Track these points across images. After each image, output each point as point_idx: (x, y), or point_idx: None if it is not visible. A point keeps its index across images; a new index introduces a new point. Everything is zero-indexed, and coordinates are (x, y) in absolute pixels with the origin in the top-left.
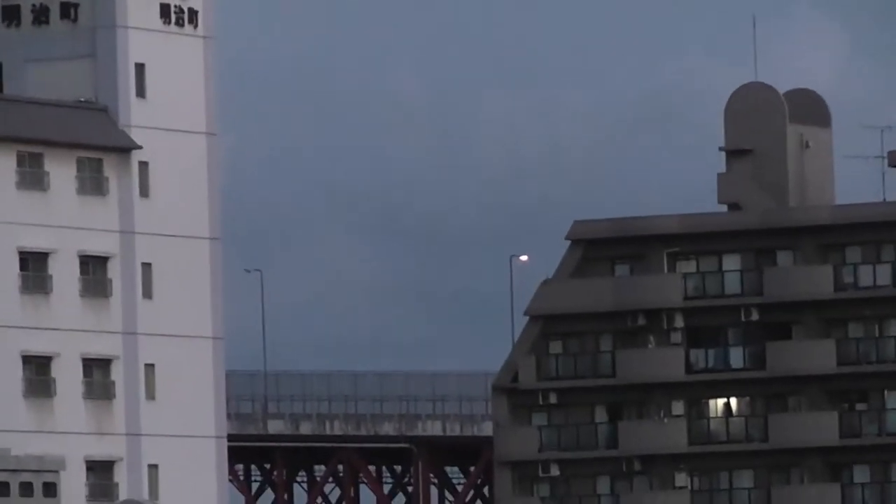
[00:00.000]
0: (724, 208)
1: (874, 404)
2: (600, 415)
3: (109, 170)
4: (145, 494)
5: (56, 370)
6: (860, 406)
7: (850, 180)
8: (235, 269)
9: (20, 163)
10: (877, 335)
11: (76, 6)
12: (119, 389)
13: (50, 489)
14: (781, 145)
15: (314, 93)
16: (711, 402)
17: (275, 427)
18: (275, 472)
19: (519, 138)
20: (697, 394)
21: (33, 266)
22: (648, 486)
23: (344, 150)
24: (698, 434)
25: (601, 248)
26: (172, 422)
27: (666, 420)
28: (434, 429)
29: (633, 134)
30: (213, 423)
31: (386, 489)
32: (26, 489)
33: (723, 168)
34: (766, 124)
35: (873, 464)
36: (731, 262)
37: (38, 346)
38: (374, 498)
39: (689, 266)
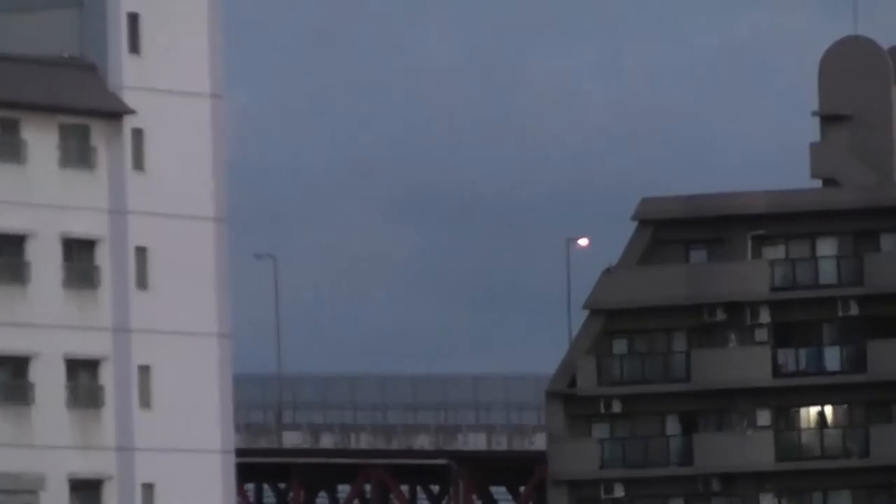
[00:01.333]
0: (819, 184)
1: None
2: (672, 426)
3: (97, 138)
4: None
5: (35, 373)
6: None
7: None
8: (245, 254)
9: None
10: None
11: None
12: (109, 396)
13: None
14: (885, 110)
15: (336, 48)
16: (803, 410)
17: (291, 440)
18: (291, 493)
19: (576, 101)
20: (786, 401)
21: (8, 251)
22: None
23: (371, 115)
24: (787, 448)
25: (673, 230)
26: (171, 434)
27: (749, 432)
28: (477, 442)
29: (711, 97)
30: (218, 436)
31: None
32: None
33: (817, 137)
34: (867, 86)
35: None
36: (827, 247)
37: (14, 345)
38: None
39: (777, 252)
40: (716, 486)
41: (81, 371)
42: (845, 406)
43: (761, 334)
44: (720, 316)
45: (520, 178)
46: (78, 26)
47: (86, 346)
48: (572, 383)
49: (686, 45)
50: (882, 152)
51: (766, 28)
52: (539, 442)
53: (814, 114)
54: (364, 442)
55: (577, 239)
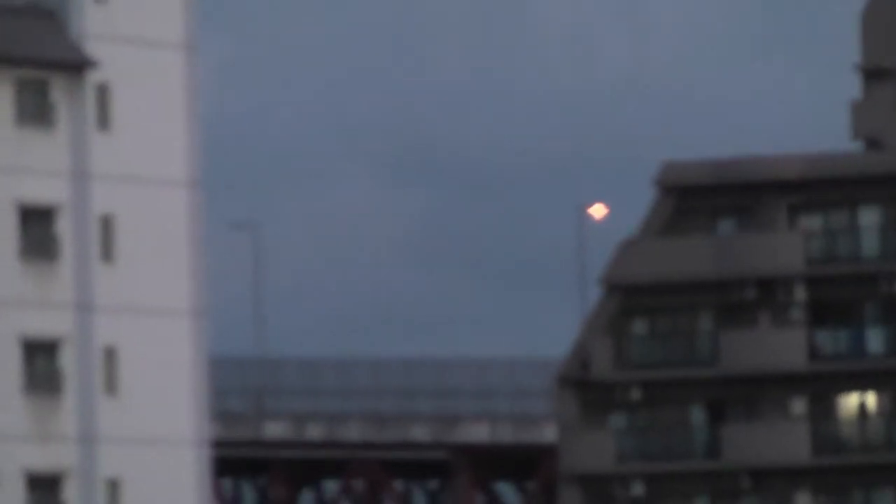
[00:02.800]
0: (861, 146)
1: None
2: (697, 415)
3: (58, 93)
4: None
5: None
6: None
7: None
8: (221, 223)
9: None
10: None
11: None
12: (69, 381)
13: None
14: None
15: None
16: (842, 399)
17: (273, 431)
18: (272, 489)
19: (590, 54)
20: (824, 388)
21: None
22: None
23: (364, 68)
24: (825, 441)
25: (699, 197)
26: (139, 423)
27: (783, 422)
28: (479, 433)
29: (739, 49)
30: (192, 425)
31: None
32: None
33: (858, 94)
34: None
35: None
36: (869, 217)
37: None
38: None
39: (814, 222)
40: (745, 482)
41: (39, 353)
42: (889, 393)
43: (796, 313)
44: (750, 293)
45: (527, 138)
46: None
47: (44, 326)
48: (586, 368)
49: None
50: None
51: None
52: (548, 433)
53: (855, 68)
54: (354, 433)
55: (592, 206)
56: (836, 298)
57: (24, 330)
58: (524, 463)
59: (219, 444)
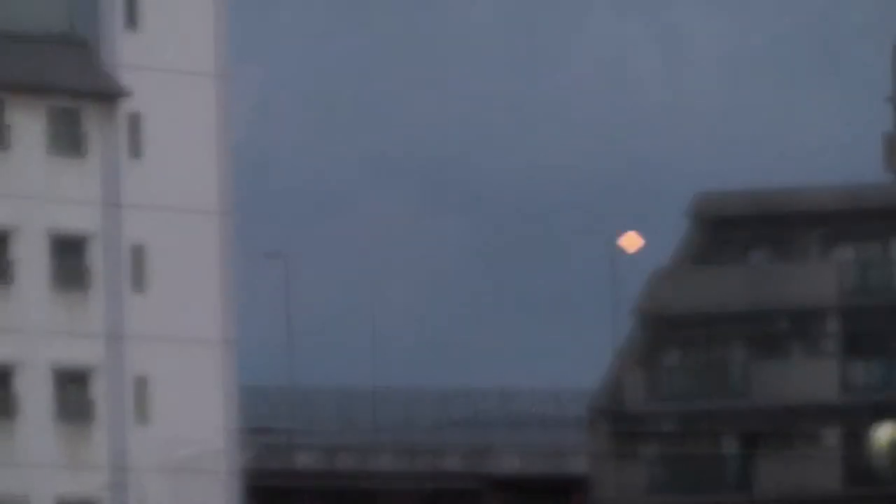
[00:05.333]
0: (894, 178)
1: None
2: (729, 447)
3: (90, 123)
4: None
5: (19, 384)
6: None
7: None
8: (253, 253)
9: None
10: None
11: None
12: (101, 409)
13: None
14: None
15: (358, 19)
16: (875, 429)
17: (304, 461)
18: None
19: (626, 82)
20: (856, 420)
21: None
22: None
23: (396, 94)
24: (857, 472)
25: (733, 228)
26: (170, 451)
27: (816, 454)
28: (511, 464)
29: (774, 80)
30: (222, 455)
31: None
32: None
33: (892, 126)
34: None
35: None
36: None
37: None
38: None
39: (848, 253)
40: None
41: (70, 382)
42: None
43: (829, 345)
44: (783, 324)
45: (559, 167)
46: None
47: (75, 355)
48: (618, 399)
49: (750, 21)
50: None
51: (837, 6)
52: (580, 464)
53: (888, 100)
54: (385, 463)
55: (625, 236)
56: (869, 330)
57: (55, 359)
58: (556, 494)
59: (250, 474)
